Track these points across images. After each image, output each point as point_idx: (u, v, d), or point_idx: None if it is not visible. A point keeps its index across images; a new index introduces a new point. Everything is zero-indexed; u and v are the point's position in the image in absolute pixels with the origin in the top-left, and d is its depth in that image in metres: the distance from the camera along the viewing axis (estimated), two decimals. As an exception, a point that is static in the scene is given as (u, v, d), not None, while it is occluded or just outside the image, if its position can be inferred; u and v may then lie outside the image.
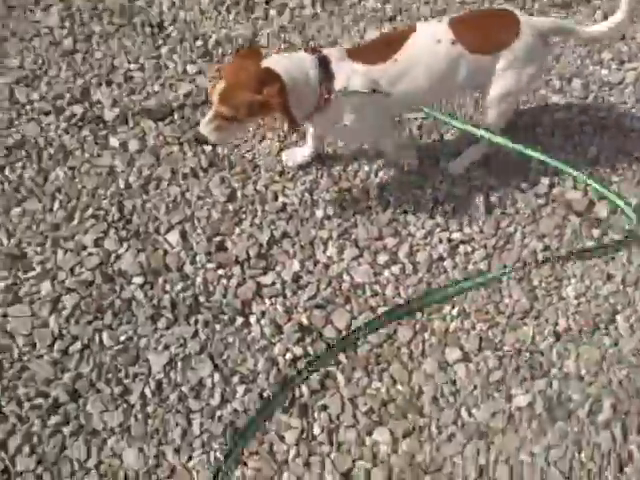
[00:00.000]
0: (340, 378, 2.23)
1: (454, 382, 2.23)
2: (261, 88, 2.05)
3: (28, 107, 2.68)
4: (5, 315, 2.28)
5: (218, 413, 2.16)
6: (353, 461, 2.10)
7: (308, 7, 2.98)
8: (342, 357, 2.25)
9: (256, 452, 2.10)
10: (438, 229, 2.49)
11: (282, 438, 2.14)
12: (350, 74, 2.17)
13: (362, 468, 2.08)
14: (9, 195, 2.48)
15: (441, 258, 2.44)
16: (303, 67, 2.15)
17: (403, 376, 2.24)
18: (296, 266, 2.39)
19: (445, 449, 2.12)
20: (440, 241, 2.46)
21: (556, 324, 2.33)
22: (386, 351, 2.28)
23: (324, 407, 2.18)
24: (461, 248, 2.46)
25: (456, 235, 2.47)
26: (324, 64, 2.17)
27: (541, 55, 2.37)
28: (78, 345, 2.24)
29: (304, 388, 2.20)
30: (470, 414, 2.18)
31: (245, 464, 2.09)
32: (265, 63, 2.10)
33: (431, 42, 2.23)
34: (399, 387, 2.22)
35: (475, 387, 2.22)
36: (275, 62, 2.12)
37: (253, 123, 2.27)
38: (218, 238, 2.44)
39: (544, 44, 2.36)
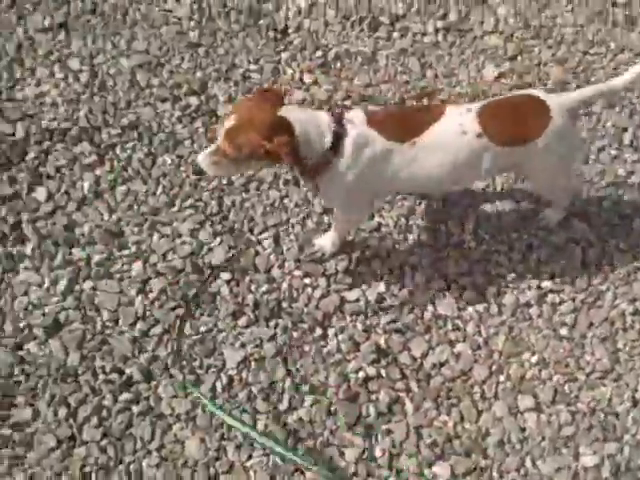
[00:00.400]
0: (409, 405, 2.25)
1: (523, 430, 2.23)
2: (272, 136, 1.97)
3: (147, 91, 2.79)
4: (94, 288, 2.37)
5: (284, 418, 2.20)
6: (409, 490, 2.11)
7: (430, 35, 3.02)
8: (414, 385, 2.27)
9: (314, 463, 2.12)
10: (529, 275, 2.48)
11: (342, 454, 2.16)
12: (363, 141, 2.10)
13: (417, 499, 2.10)
14: (116, 173, 2.58)
15: (528, 304, 2.44)
16: (318, 127, 2.07)
17: (472, 414, 2.25)
18: (381, 287, 2.43)
19: (504, 496, 2.11)
20: (529, 287, 2.46)
21: (636, 390, 2.30)
22: (458, 386, 2.29)
23: (389, 431, 2.21)
24: (549, 297, 2.45)
25: (546, 283, 2.47)
26: (337, 136, 2.08)
27: (574, 131, 2.33)
28: (159, 329, 2.32)
29: (372, 409, 2.22)
30: (534, 465, 2.18)
31: (302, 472, 2.12)
32: (282, 110, 2.03)
33: (456, 132, 2.14)
34: (466, 425, 2.23)
35: (543, 439, 2.22)
36: (292, 112, 2.05)
37: (254, 167, 2.25)
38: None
39: (574, 118, 2.31)
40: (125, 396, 2.23)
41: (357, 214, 2.37)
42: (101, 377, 2.25)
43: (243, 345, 2.34)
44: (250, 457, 2.17)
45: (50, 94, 2.77)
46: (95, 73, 2.82)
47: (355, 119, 2.11)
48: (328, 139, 2.07)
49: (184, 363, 2.29)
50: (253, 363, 2.32)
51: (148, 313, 2.36)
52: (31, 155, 2.63)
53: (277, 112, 2.01)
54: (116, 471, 2.13)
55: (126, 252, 2.46)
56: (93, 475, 2.13)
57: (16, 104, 2.74)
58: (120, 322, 2.34)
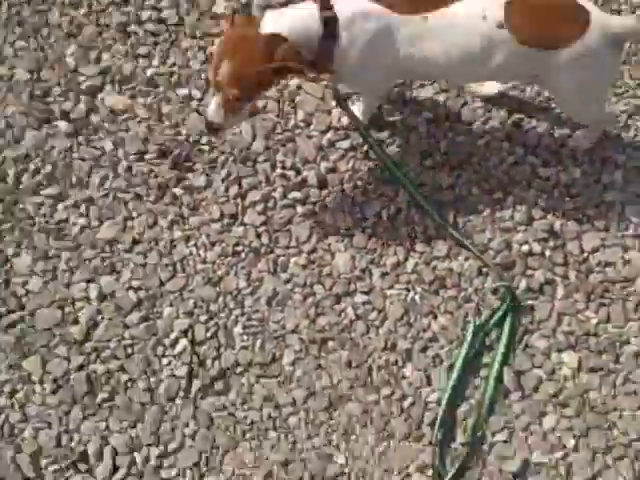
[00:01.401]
0: (560, 291, 2.36)
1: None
2: (270, 54, 1.90)
3: None
4: (300, 87, 2.50)
5: (434, 264, 2.36)
6: None
7: None
8: (572, 274, 2.30)
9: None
10: None
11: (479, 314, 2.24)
12: (359, 13, 1.96)
13: None
14: None
15: None
16: (306, 21, 1.98)
17: (619, 319, 2.30)
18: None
19: None
20: None
21: None
22: (616, 290, 2.33)
23: (531, 308, 2.32)
24: None
25: None
26: (331, 24, 1.97)
27: (610, 62, 2.06)
28: (346, 144, 2.44)
29: (523, 282, 2.36)
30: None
31: (435, 317, 2.25)
32: (264, 25, 1.95)
33: (476, 15, 1.95)
34: (609, 327, 2.30)
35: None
36: (273, 21, 1.97)
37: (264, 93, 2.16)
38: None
39: (616, 49, 2.03)
40: (294, 195, 2.37)
41: (378, 90, 2.30)
42: (278, 170, 2.41)
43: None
44: (392, 287, 2.27)
45: None
46: None
47: None
48: (319, 28, 1.97)
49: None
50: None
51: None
52: None
53: (260, 30, 1.93)
54: (265, 258, 2.32)
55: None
56: (243, 254, 2.32)
57: None
58: (312, 126, 2.43)
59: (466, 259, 2.31)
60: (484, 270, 2.32)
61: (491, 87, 2.50)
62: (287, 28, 1.95)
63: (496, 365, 2.18)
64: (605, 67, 2.08)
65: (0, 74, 2.50)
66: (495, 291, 2.29)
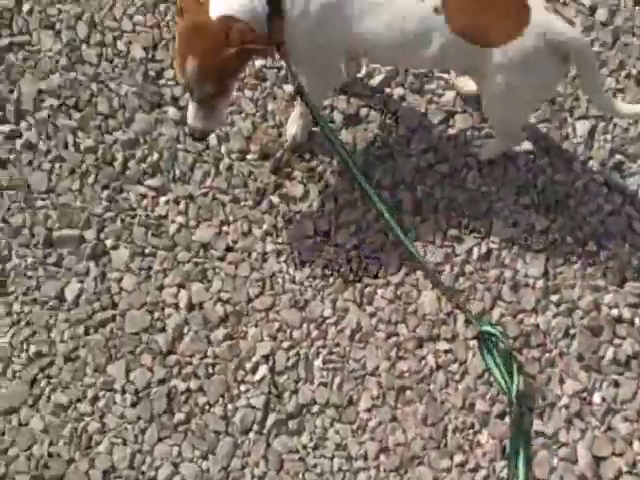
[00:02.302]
0: None
1: None
2: (228, 39, 1.86)
3: None
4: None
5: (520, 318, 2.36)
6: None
7: None
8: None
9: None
10: None
11: (562, 382, 2.35)
12: None
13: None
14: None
15: None
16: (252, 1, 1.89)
17: None
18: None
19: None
20: None
21: None
22: None
23: (616, 383, 2.34)
24: None
25: None
26: (273, 2, 1.91)
27: (545, 73, 1.93)
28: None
29: (610, 351, 2.38)
30: None
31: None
32: (213, 11, 1.90)
33: None
34: None
35: None
36: (219, 4, 1.91)
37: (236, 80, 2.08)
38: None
39: (557, 60, 1.92)
40: None
41: (326, 78, 2.25)
42: (377, 189, 2.42)
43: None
44: (475, 337, 2.33)
45: None
46: None
47: None
48: (263, 7, 1.92)
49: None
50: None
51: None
52: None
53: (210, 15, 1.89)
54: (353, 286, 2.45)
55: None
56: (331, 279, 2.44)
57: None
58: (412, 145, 2.49)
59: (554, 316, 2.30)
60: (572, 332, 2.29)
61: (472, 83, 2.40)
62: (234, 11, 1.93)
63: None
64: (539, 77, 1.98)
65: (118, 49, 2.55)
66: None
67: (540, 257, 2.39)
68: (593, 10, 2.63)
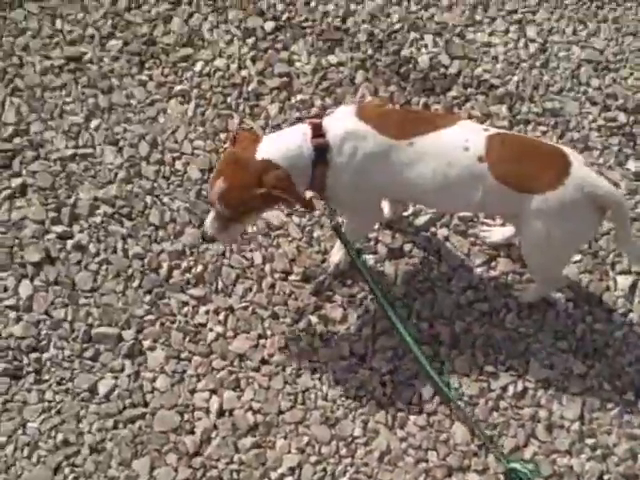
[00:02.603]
0: None
1: None
2: (260, 181, 2.18)
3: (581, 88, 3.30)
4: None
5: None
6: None
7: None
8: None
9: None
10: None
11: None
12: (352, 138, 2.22)
13: None
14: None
15: None
16: (300, 148, 2.25)
17: None
18: None
19: None
20: None
21: None
22: None
23: None
24: None
25: None
26: (322, 151, 2.24)
27: (583, 224, 2.20)
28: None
29: None
30: None
31: None
32: (260, 150, 2.23)
33: (459, 145, 2.19)
34: None
35: None
36: (269, 145, 2.25)
37: (258, 215, 2.46)
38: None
39: (594, 212, 2.17)
40: (424, 349, 2.66)
41: (365, 220, 2.58)
42: (413, 320, 2.77)
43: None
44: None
45: (496, 47, 3.20)
46: (544, 48, 3.15)
47: (341, 116, 2.27)
48: (310, 154, 2.25)
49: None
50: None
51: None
52: (452, 93, 3.12)
53: (255, 154, 2.22)
54: (385, 409, 2.65)
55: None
56: (364, 400, 2.65)
57: (465, 43, 3.21)
58: (453, 281, 2.75)
59: (589, 459, 2.49)
60: (606, 477, 2.50)
61: (498, 234, 2.77)
62: (279, 155, 2.23)
63: None
64: (576, 227, 2.26)
65: (176, 168, 2.94)
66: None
67: (576, 400, 2.63)
68: (637, 175, 3.00)
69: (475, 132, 2.23)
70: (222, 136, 3.03)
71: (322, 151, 2.22)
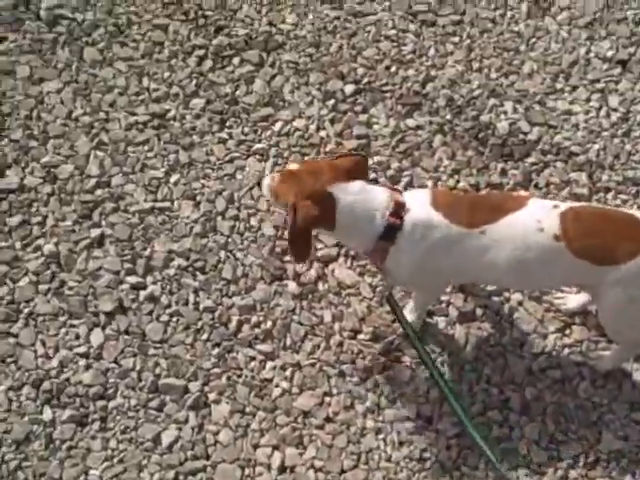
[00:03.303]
0: None
1: None
2: (302, 200, 2.19)
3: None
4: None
5: None
6: None
7: None
8: None
9: None
10: None
11: None
12: (424, 225, 2.22)
13: None
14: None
15: None
16: (369, 212, 2.24)
17: None
18: None
19: None
20: None
21: None
22: None
23: None
24: None
25: None
26: (392, 231, 2.23)
27: None
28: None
29: None
30: None
31: None
32: (337, 185, 2.22)
33: (532, 227, 2.16)
34: None
35: None
36: (345, 189, 2.22)
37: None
38: None
39: None
40: (493, 414, 2.69)
41: (429, 295, 2.54)
42: (483, 384, 2.70)
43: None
44: None
45: (577, 115, 3.16)
46: (627, 117, 3.16)
47: (417, 200, 2.25)
48: (379, 228, 2.25)
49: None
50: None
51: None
52: (530, 159, 3.08)
53: (329, 183, 2.22)
54: (450, 474, 2.60)
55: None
56: (429, 463, 2.62)
57: (546, 110, 3.23)
58: (525, 347, 2.69)
59: None
60: None
61: (573, 301, 2.72)
62: (348, 201, 2.24)
63: None
64: None
65: (250, 225, 2.99)
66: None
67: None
68: None
69: (547, 211, 2.22)
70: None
71: (393, 229, 2.23)
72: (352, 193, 2.23)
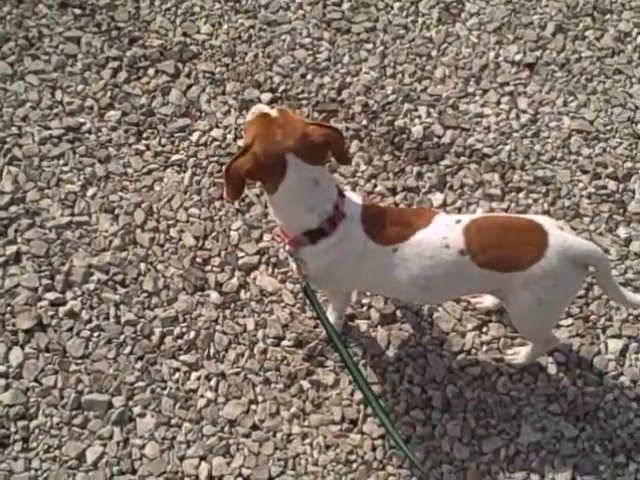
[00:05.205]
0: None
1: None
2: (255, 147, 2.18)
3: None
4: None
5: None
6: None
7: None
8: None
9: None
10: None
11: None
12: (351, 234, 2.27)
13: None
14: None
15: None
16: (312, 204, 2.25)
17: None
18: None
19: None
20: None
21: None
22: None
23: None
24: None
25: None
26: (320, 232, 2.28)
27: (570, 284, 2.30)
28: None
29: None
30: None
31: None
32: (295, 159, 2.18)
33: (439, 245, 2.24)
34: None
35: None
36: (302, 167, 2.20)
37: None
38: None
39: (578, 270, 2.26)
40: (416, 413, 2.72)
41: (337, 297, 2.65)
42: (405, 384, 2.73)
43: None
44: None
45: (488, 118, 3.27)
46: (536, 119, 3.22)
47: (351, 212, 2.28)
48: (311, 225, 2.29)
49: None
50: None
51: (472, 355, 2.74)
52: (445, 162, 3.16)
53: (290, 150, 2.18)
54: (376, 474, 2.64)
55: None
56: (355, 464, 2.67)
57: (458, 113, 3.32)
58: (444, 346, 2.76)
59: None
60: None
61: (489, 299, 2.83)
62: (293, 184, 2.22)
63: None
64: (564, 289, 2.32)
65: (171, 236, 2.98)
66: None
67: (568, 463, 2.62)
68: (627, 242, 3.04)
69: (451, 227, 2.27)
70: (217, 204, 3.02)
71: (321, 234, 2.28)
72: (304, 177, 2.20)
